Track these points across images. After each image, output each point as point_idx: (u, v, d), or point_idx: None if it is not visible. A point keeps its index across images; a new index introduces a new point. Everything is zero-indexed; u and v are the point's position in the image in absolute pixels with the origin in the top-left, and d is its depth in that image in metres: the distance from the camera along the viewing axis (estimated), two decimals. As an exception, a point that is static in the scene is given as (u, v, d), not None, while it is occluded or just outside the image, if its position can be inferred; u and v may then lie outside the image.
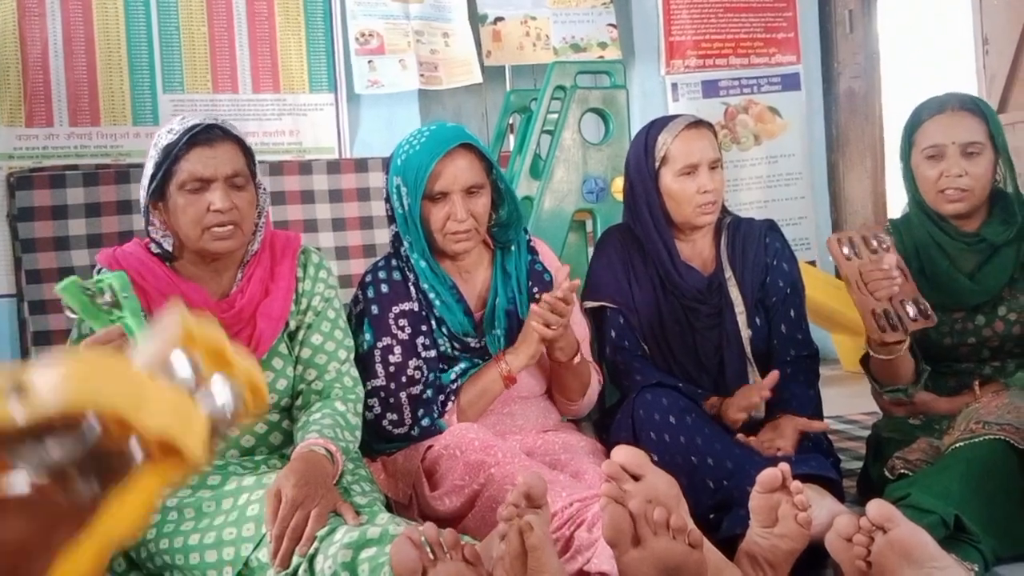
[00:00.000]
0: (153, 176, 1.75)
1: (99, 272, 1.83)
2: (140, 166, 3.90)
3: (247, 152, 1.81)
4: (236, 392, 0.71)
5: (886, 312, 1.99)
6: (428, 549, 1.36)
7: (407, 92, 4.17)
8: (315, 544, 1.49)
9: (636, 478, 1.46)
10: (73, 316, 1.70)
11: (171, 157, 1.73)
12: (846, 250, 2.03)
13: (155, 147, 1.77)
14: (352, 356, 1.93)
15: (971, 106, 2.14)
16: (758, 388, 2.04)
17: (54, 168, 3.78)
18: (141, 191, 1.80)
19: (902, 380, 2.10)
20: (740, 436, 1.98)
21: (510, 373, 2.00)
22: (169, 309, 0.70)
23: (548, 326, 1.92)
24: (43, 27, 3.83)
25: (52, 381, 0.61)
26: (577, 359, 2.04)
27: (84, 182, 3.74)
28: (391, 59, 4.18)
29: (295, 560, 1.49)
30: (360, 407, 1.89)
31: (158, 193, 1.77)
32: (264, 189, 1.86)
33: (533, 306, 1.93)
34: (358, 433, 1.84)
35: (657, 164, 2.17)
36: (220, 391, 0.71)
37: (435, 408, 2.00)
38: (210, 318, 0.68)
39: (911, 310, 1.99)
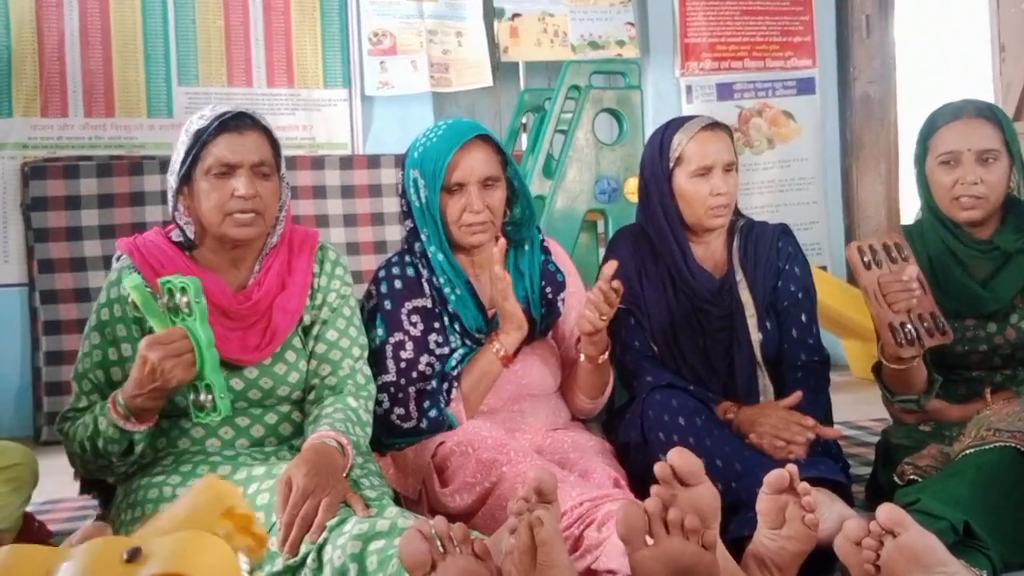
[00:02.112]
0: (183, 161, 1.77)
1: (119, 259, 1.84)
2: (154, 158, 3.96)
3: (274, 144, 1.83)
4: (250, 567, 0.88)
5: (903, 325, 1.97)
6: (438, 542, 1.36)
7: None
8: (324, 534, 1.50)
9: (687, 484, 1.46)
10: (136, 314, 1.74)
11: (200, 142, 1.76)
12: (866, 259, 2.01)
13: (186, 132, 1.80)
14: (366, 354, 1.94)
15: (987, 113, 2.13)
16: (799, 423, 1.93)
17: (68, 158, 3.80)
18: (170, 176, 1.81)
19: (914, 390, 2.10)
20: (753, 437, 1.97)
21: (506, 353, 2.01)
22: (206, 480, 0.86)
23: (601, 316, 1.91)
24: (60, 18, 3.85)
25: (164, 550, 0.75)
26: (604, 357, 2.04)
27: (98, 173, 3.77)
28: (403, 60, 4.19)
29: (304, 548, 1.50)
30: (372, 404, 1.90)
31: (185, 179, 1.78)
32: (287, 184, 1.88)
33: (589, 295, 1.92)
34: (369, 429, 1.85)
35: (671, 164, 2.16)
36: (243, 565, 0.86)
37: (440, 398, 2.00)
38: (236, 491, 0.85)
39: (928, 325, 1.97)
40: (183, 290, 1.59)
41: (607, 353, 2.04)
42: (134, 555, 0.73)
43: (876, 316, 1.99)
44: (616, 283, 1.89)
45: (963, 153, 2.10)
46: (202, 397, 1.63)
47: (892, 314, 1.97)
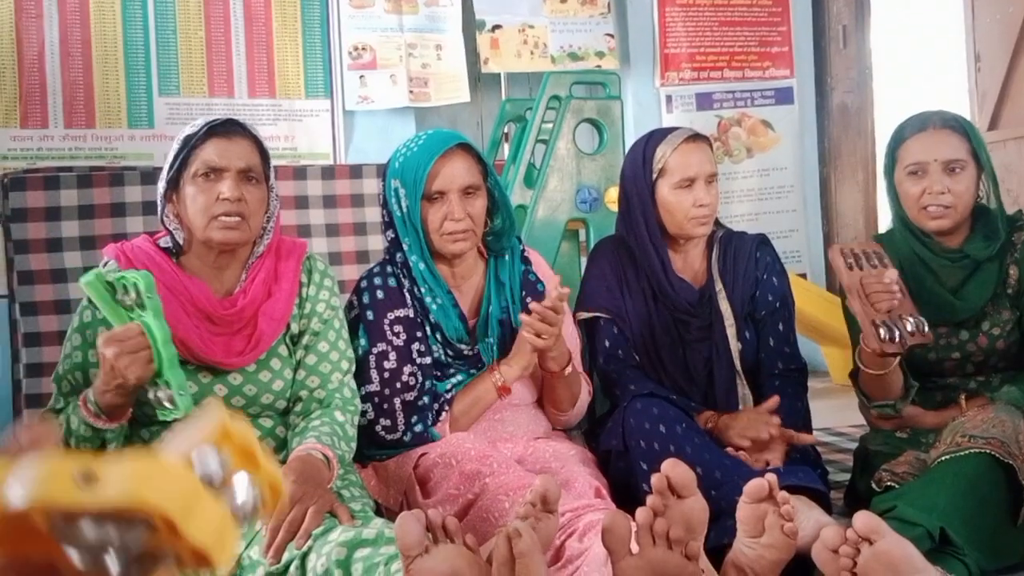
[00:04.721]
0: (171, 166, 1.79)
1: (105, 265, 1.84)
2: (134, 169, 3.94)
3: (263, 153, 1.85)
4: (257, 493, 0.78)
5: (886, 323, 2.00)
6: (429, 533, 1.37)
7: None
8: (309, 542, 1.50)
9: (680, 496, 1.47)
10: (98, 312, 1.71)
11: (189, 146, 1.77)
12: (849, 261, 2.04)
13: (176, 140, 1.81)
14: (353, 367, 1.95)
15: (953, 124, 2.16)
16: (767, 422, 2.00)
17: (48, 169, 3.77)
18: (160, 182, 1.82)
19: (891, 395, 2.12)
20: (730, 448, 1.99)
21: (504, 384, 2.02)
22: (210, 404, 0.76)
23: (539, 336, 1.93)
24: (40, 28, 3.84)
25: (121, 476, 0.67)
26: (569, 369, 2.05)
27: (78, 184, 3.74)
28: (382, 74, 4.19)
29: (287, 555, 1.50)
30: (357, 419, 1.90)
31: (173, 184, 1.79)
32: (276, 195, 1.88)
33: (523, 316, 1.94)
34: (354, 444, 1.85)
35: (655, 175, 2.18)
36: (242, 490, 0.76)
37: (429, 415, 2.00)
38: (242, 419, 0.75)
39: (909, 326, 2.00)
40: (136, 286, 1.58)
41: (570, 366, 2.05)
42: (88, 478, 0.66)
43: (859, 313, 2.00)
44: (554, 303, 1.91)
45: (930, 163, 2.12)
46: (160, 394, 1.60)
47: (875, 312, 1.99)
